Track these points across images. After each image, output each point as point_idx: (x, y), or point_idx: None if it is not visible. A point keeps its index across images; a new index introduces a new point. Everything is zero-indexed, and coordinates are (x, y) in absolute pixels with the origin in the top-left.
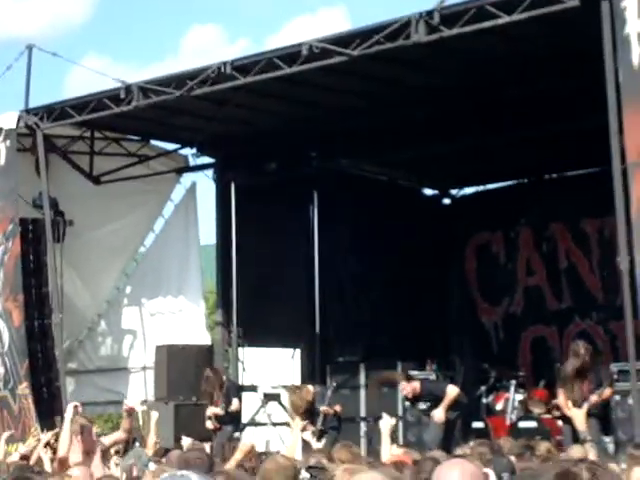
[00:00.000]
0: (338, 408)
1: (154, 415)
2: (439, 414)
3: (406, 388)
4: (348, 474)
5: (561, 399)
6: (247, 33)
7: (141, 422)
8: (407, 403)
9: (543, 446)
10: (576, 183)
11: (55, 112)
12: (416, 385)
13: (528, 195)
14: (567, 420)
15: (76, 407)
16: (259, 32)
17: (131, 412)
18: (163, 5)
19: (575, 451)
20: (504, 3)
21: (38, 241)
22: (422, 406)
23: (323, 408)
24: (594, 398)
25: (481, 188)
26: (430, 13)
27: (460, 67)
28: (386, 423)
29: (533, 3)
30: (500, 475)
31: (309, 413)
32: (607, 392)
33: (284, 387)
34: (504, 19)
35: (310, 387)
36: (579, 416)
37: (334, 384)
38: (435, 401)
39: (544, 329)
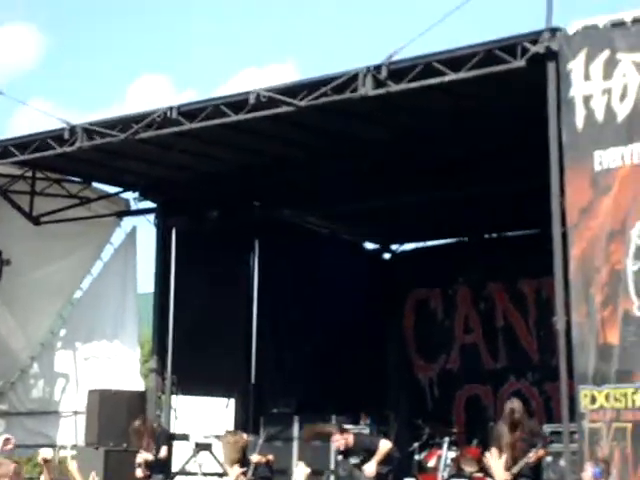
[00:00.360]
0: (271, 457)
1: (73, 465)
2: (370, 468)
3: (339, 441)
4: None
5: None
6: (195, 84)
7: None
8: (340, 457)
9: None
10: (515, 243)
11: None
12: (349, 438)
13: (467, 253)
14: None
15: (7, 440)
16: (207, 83)
17: (46, 461)
18: (111, 54)
19: None
20: (451, 60)
21: None
22: (354, 460)
23: (255, 457)
24: (531, 457)
25: (421, 244)
26: (378, 67)
27: (405, 122)
28: (300, 472)
29: (480, 62)
30: None
31: (242, 462)
32: (541, 452)
33: (218, 437)
34: (450, 76)
35: (244, 434)
36: (498, 467)
37: (265, 433)
38: (368, 455)
39: (479, 388)
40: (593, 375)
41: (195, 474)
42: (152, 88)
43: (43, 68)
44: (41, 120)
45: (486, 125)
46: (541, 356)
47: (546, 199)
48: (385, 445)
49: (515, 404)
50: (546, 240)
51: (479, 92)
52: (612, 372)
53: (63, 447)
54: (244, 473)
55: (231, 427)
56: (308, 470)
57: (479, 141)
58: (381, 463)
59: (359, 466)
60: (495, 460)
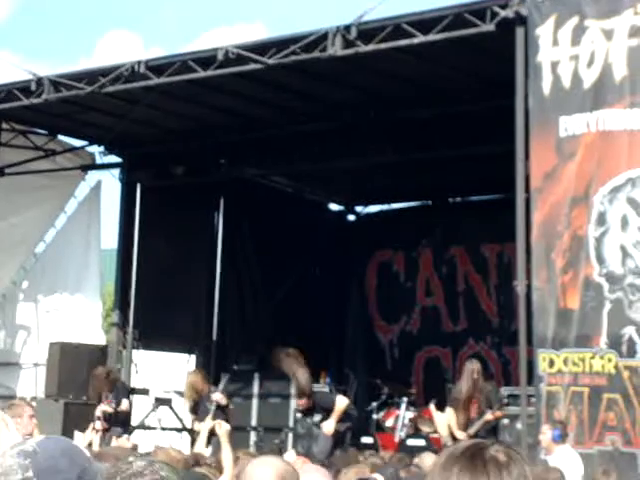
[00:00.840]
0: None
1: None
2: (329, 425)
3: (302, 403)
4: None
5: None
6: (163, 42)
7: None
8: (298, 415)
9: (428, 458)
10: (479, 208)
11: None
12: (309, 401)
13: (431, 217)
14: (455, 440)
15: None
16: (175, 41)
17: None
18: (80, 9)
19: (427, 458)
20: (420, 23)
21: None
22: (312, 419)
23: (217, 395)
24: (488, 417)
25: (386, 207)
26: (347, 27)
27: (373, 84)
28: (224, 429)
29: (449, 25)
30: None
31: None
32: (497, 414)
33: (178, 392)
34: (419, 39)
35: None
36: (441, 421)
37: (225, 381)
38: (326, 414)
39: (438, 350)
40: (552, 339)
41: (154, 429)
42: (120, 44)
43: (12, 22)
44: (8, 73)
45: (453, 88)
46: (501, 320)
47: (511, 164)
48: (342, 402)
49: (474, 365)
50: (509, 205)
51: (448, 55)
52: (571, 337)
53: (22, 398)
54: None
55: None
56: (228, 426)
57: (446, 104)
58: (339, 421)
59: (318, 424)
60: (439, 416)
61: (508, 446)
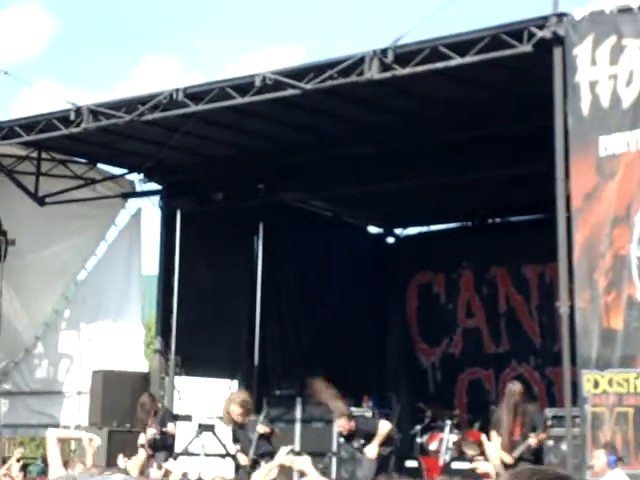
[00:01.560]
0: (276, 430)
1: (97, 440)
2: (372, 450)
3: (343, 426)
4: None
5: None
6: (202, 66)
7: (73, 447)
8: (341, 439)
9: None
10: (519, 228)
11: (3, 131)
12: (352, 424)
13: (471, 238)
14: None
15: None
16: (215, 66)
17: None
18: (118, 35)
19: None
20: (457, 45)
21: None
22: (356, 444)
23: (260, 428)
24: (532, 441)
25: (425, 229)
26: (384, 51)
27: (411, 107)
28: (283, 452)
29: (486, 46)
30: None
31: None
32: (542, 436)
33: (221, 418)
34: (456, 61)
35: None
36: (492, 448)
37: (265, 412)
38: (368, 439)
39: (481, 372)
40: (596, 360)
41: (198, 455)
42: (159, 69)
43: (51, 50)
44: (47, 102)
45: (492, 110)
46: (543, 341)
47: (551, 184)
48: (385, 427)
49: (516, 387)
50: (550, 225)
51: (485, 77)
52: (615, 357)
53: (66, 427)
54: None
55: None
56: (289, 448)
57: (484, 126)
58: (382, 445)
59: (360, 449)
60: (489, 444)
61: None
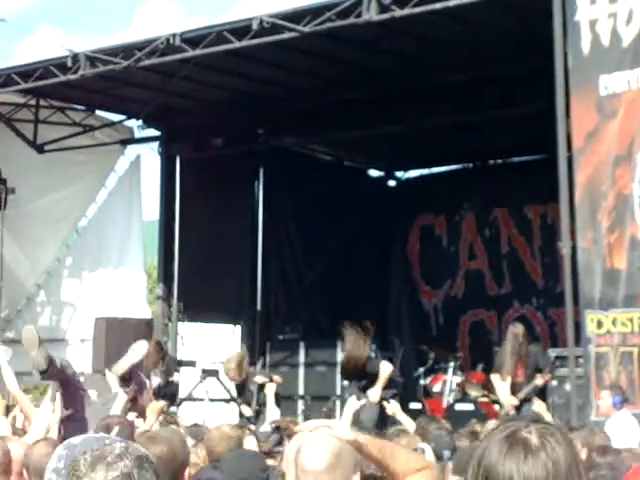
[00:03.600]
0: (276, 378)
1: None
2: (374, 393)
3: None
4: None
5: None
6: (203, 11)
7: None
8: (345, 382)
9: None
10: (521, 169)
11: (0, 78)
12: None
13: (472, 180)
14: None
15: None
16: (217, 9)
17: None
18: None
19: (492, 425)
20: None
21: None
22: (359, 384)
23: (259, 379)
24: (538, 382)
25: (426, 171)
26: None
27: (410, 49)
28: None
29: None
30: (441, 452)
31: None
32: (546, 377)
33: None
34: (455, 1)
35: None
36: (503, 390)
37: (262, 359)
38: (372, 379)
39: (483, 313)
40: (600, 300)
41: (202, 400)
42: (160, 14)
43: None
44: (48, 49)
45: (491, 50)
46: (546, 281)
47: (551, 124)
48: (386, 368)
49: (518, 328)
50: (551, 165)
51: (484, 17)
52: (619, 297)
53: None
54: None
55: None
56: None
57: (484, 66)
58: (384, 388)
59: (364, 390)
60: (500, 383)
61: (546, 427)
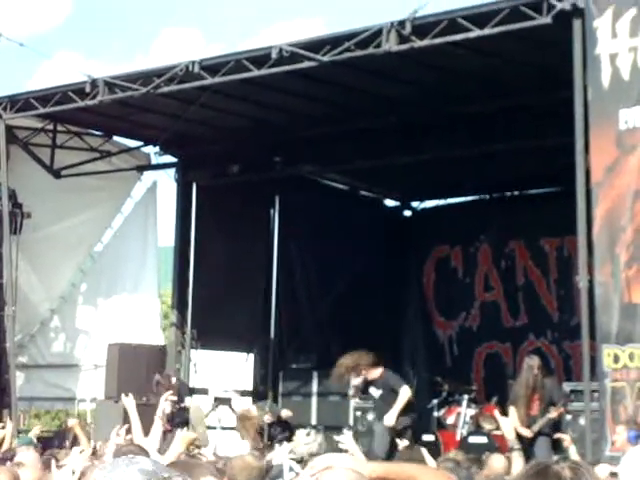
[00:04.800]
0: (284, 414)
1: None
2: (390, 417)
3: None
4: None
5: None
6: (225, 37)
7: (89, 420)
8: (358, 413)
9: (497, 460)
10: (537, 201)
11: (19, 103)
12: (380, 370)
13: (489, 211)
14: (519, 437)
15: None
16: (237, 36)
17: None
18: (139, 6)
19: (495, 460)
20: (476, 17)
21: None
22: (374, 392)
23: (266, 418)
24: (552, 415)
25: (442, 202)
26: (402, 23)
27: (429, 79)
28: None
29: (505, 18)
30: None
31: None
32: (560, 410)
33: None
34: (475, 33)
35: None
36: (506, 424)
37: (269, 401)
38: (386, 393)
39: (498, 345)
40: (617, 334)
41: (214, 428)
42: (179, 41)
43: (71, 22)
44: (66, 74)
45: (510, 82)
46: (561, 315)
47: (569, 157)
48: (405, 393)
49: (534, 361)
50: (568, 198)
51: (504, 49)
52: (636, 331)
53: (82, 400)
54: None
55: (250, 382)
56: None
57: (502, 98)
58: (402, 414)
59: (378, 399)
60: (504, 419)
61: (576, 463)
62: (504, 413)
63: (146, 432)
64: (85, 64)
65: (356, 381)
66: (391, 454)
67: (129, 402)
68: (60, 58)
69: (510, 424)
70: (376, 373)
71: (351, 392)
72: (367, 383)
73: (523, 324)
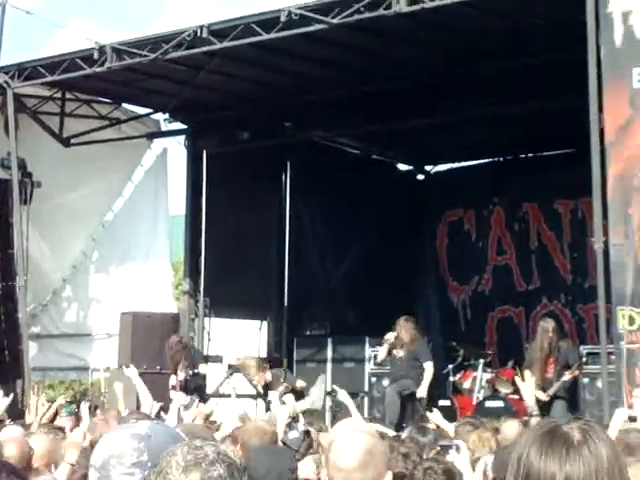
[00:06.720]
0: (298, 384)
1: (118, 386)
2: (422, 390)
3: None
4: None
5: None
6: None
7: (103, 389)
8: (373, 379)
9: (511, 426)
10: (551, 163)
11: (26, 71)
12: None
13: (502, 174)
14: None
15: None
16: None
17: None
18: None
19: (508, 427)
20: None
21: (5, 202)
22: (399, 354)
23: (281, 389)
24: (567, 377)
25: (456, 165)
26: None
27: (439, 40)
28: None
29: None
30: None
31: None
32: (576, 373)
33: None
34: None
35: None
36: (526, 389)
37: (284, 368)
38: (410, 357)
39: (511, 310)
40: (631, 296)
41: (229, 396)
42: (195, 5)
43: None
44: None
45: (521, 42)
46: (574, 278)
47: (581, 118)
48: (431, 369)
49: (549, 324)
50: (581, 159)
51: (515, 7)
52: None
53: (96, 370)
54: None
55: (264, 349)
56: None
57: (513, 58)
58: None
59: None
60: (523, 384)
61: (587, 424)
62: (520, 379)
63: (158, 399)
64: (98, 32)
65: (389, 335)
66: (402, 418)
67: (132, 372)
68: (73, 27)
69: (529, 389)
70: (409, 337)
71: (382, 347)
72: (394, 343)
73: (536, 288)
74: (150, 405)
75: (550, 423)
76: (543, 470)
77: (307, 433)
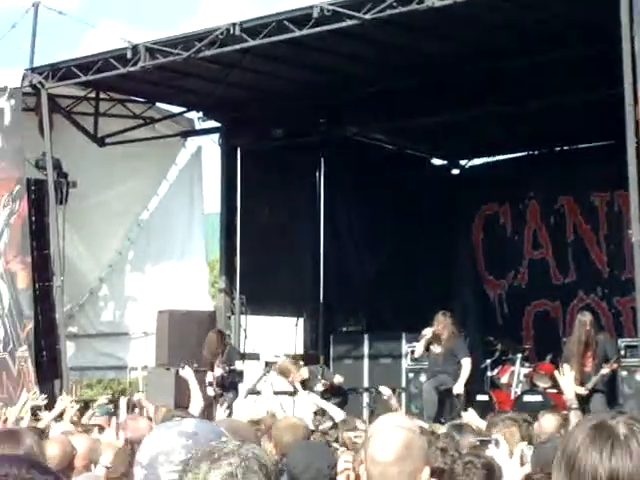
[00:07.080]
0: (336, 380)
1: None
2: (458, 387)
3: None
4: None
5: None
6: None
7: (141, 388)
8: (410, 375)
9: (549, 420)
10: (587, 156)
11: (60, 71)
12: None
13: (537, 167)
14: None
15: None
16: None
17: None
18: None
19: (546, 420)
20: None
21: (41, 202)
22: (437, 349)
23: (318, 387)
24: (605, 370)
25: (490, 159)
26: None
27: (474, 34)
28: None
29: None
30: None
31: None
32: (614, 366)
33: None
34: None
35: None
36: (565, 383)
37: (321, 365)
38: (447, 353)
39: (548, 303)
40: None
41: (259, 393)
42: (227, 5)
43: None
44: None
45: (557, 35)
46: (611, 270)
47: (618, 110)
48: (468, 365)
49: (587, 317)
50: (618, 152)
51: (550, 2)
52: None
53: (134, 369)
54: None
55: (300, 346)
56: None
57: (548, 51)
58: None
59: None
60: (563, 378)
61: (633, 418)
62: (559, 373)
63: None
64: (130, 32)
65: (427, 330)
66: (440, 413)
67: (188, 373)
68: (105, 27)
69: (569, 382)
70: (446, 333)
71: (419, 343)
72: (433, 338)
73: (572, 281)
74: (200, 406)
75: (595, 418)
76: (590, 464)
77: (335, 425)
